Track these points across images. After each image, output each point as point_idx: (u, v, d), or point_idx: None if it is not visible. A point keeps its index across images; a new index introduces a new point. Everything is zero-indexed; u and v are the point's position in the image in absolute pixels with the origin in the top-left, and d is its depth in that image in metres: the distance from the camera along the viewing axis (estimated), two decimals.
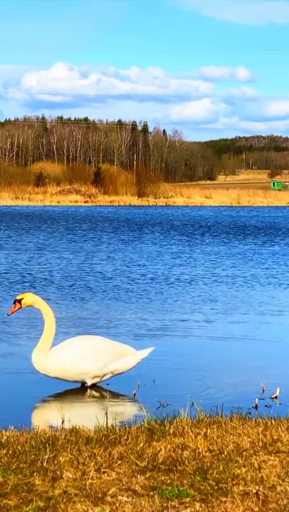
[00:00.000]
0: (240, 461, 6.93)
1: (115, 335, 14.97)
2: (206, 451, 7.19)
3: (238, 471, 6.68)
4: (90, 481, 6.42)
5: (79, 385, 11.54)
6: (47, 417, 10.16)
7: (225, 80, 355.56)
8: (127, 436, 7.56)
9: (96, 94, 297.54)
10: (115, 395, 11.05)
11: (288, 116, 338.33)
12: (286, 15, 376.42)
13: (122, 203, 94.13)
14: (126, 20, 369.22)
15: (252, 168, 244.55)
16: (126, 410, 10.12)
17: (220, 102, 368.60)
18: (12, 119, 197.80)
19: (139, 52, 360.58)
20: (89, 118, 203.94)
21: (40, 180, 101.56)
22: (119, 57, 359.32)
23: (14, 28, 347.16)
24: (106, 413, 9.39)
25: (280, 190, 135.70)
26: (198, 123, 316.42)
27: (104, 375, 11.43)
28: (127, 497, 6.15)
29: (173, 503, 6.07)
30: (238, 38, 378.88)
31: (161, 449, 7.18)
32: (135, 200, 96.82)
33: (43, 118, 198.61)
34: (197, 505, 6.06)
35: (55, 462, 6.81)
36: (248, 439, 7.55)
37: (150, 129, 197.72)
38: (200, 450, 7.20)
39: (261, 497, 6.20)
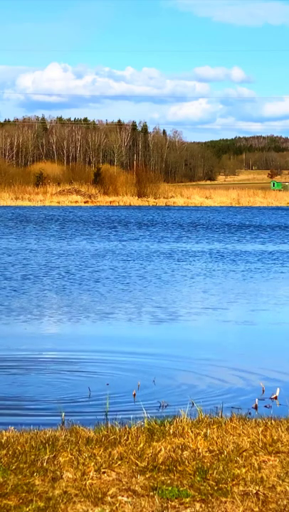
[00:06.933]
0: (240, 462, 6.93)
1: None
2: (206, 451, 7.19)
3: (238, 471, 6.68)
4: (90, 481, 6.42)
5: (79, 386, 11.54)
6: (47, 417, 10.15)
7: (220, 80, 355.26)
8: (127, 437, 7.56)
9: (91, 95, 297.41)
10: (115, 395, 11.05)
11: (285, 117, 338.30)
12: (282, 16, 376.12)
13: (122, 203, 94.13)
14: (121, 20, 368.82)
15: (252, 169, 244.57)
16: (126, 410, 10.12)
17: (216, 103, 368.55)
18: (9, 119, 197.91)
19: (134, 52, 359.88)
20: (86, 118, 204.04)
21: (40, 181, 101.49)
22: (114, 58, 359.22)
23: (9, 28, 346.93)
24: (106, 413, 9.39)
25: (280, 190, 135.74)
26: (195, 123, 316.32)
27: None
28: (127, 497, 6.15)
29: (173, 504, 6.07)
30: (234, 39, 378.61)
31: (161, 449, 7.18)
32: (135, 201, 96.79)
33: (43, 118, 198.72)
34: (197, 505, 6.05)
35: (55, 462, 6.81)
36: (248, 440, 7.55)
37: (150, 130, 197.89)
38: (200, 450, 7.20)
39: (261, 497, 6.19)
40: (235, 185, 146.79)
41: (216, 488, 6.33)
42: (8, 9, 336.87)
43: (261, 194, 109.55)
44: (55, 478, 6.46)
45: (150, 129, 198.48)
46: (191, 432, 7.74)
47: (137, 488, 6.30)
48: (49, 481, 6.38)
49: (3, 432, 7.91)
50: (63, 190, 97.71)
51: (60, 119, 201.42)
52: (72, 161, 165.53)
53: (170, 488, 6.28)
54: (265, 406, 10.54)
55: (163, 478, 6.52)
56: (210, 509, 6.01)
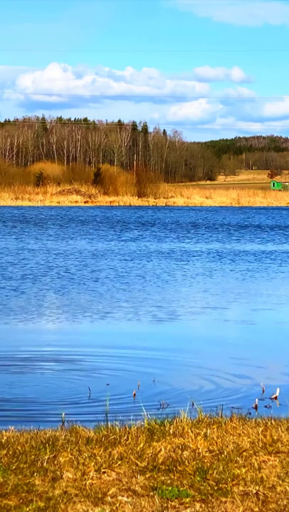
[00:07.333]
0: (240, 462, 6.93)
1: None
2: (206, 451, 7.19)
3: (238, 471, 6.68)
4: (90, 481, 6.42)
5: (79, 385, 11.55)
6: (47, 417, 10.16)
7: (220, 80, 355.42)
8: (127, 437, 7.56)
9: (91, 95, 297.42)
10: (115, 395, 11.05)
11: (285, 117, 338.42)
12: (282, 16, 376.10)
13: (122, 203, 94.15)
14: (121, 20, 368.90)
15: (252, 169, 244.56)
16: (126, 410, 10.12)
17: (216, 103, 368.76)
18: (9, 119, 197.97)
19: (134, 52, 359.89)
20: (86, 118, 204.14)
21: (40, 181, 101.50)
22: (114, 58, 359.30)
23: (9, 28, 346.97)
24: (106, 413, 9.39)
25: (280, 190, 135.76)
26: (195, 123, 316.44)
27: None
28: (127, 497, 6.15)
29: (173, 504, 6.07)
30: (234, 39, 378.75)
31: (161, 449, 7.18)
32: (135, 201, 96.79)
33: (43, 118, 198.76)
34: (197, 505, 6.06)
35: (55, 462, 6.81)
36: (248, 440, 7.55)
37: (150, 130, 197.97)
38: (200, 450, 7.20)
39: (261, 497, 6.20)
40: (235, 185, 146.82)
41: (216, 488, 6.33)
42: (8, 9, 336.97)
43: (261, 194, 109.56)
44: (55, 478, 6.46)
45: (150, 129, 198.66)
46: (191, 431, 7.74)
47: (137, 488, 6.31)
48: (49, 481, 6.39)
49: (4, 431, 7.92)
50: (63, 190, 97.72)
51: (60, 119, 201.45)
52: (72, 161, 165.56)
53: (170, 488, 6.28)
54: (265, 406, 10.54)
55: (163, 478, 6.53)
56: (210, 509, 6.01)
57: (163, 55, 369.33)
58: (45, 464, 6.74)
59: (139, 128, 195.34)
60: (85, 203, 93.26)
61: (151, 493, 6.22)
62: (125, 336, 15.71)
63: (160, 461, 6.87)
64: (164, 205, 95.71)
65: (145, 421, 8.18)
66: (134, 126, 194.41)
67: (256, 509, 6.02)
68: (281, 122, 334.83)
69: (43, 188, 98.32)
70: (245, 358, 13.99)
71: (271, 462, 6.98)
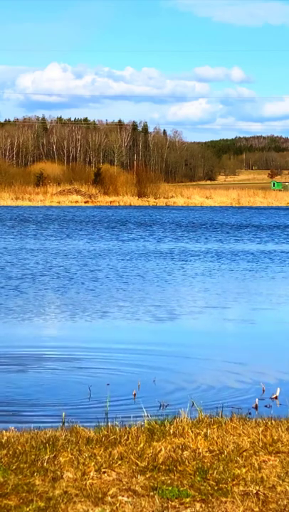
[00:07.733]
0: (241, 462, 6.93)
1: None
2: (206, 451, 7.19)
3: (238, 471, 6.68)
4: (90, 481, 6.42)
5: (79, 385, 11.54)
6: (47, 417, 10.16)
7: (220, 80, 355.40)
8: (127, 437, 7.56)
9: (91, 95, 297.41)
10: (115, 395, 11.05)
11: (285, 117, 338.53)
12: (282, 16, 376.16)
13: (122, 203, 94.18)
14: (121, 20, 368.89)
15: (252, 169, 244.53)
16: (126, 410, 10.12)
17: (216, 103, 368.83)
18: (9, 119, 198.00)
19: (134, 52, 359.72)
20: (86, 118, 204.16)
21: (40, 181, 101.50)
22: (114, 58, 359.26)
23: (9, 28, 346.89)
24: (106, 413, 9.39)
25: (280, 190, 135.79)
26: (195, 123, 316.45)
27: None
28: (127, 497, 6.15)
29: (173, 504, 6.07)
30: (234, 39, 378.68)
31: (161, 449, 7.18)
32: (135, 201, 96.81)
33: (43, 118, 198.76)
34: (197, 505, 6.06)
35: (56, 462, 6.81)
36: (248, 440, 7.55)
37: (150, 130, 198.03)
38: (200, 450, 7.20)
39: (261, 497, 6.20)
40: (235, 185, 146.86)
41: (216, 488, 6.33)
42: (8, 9, 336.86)
43: (261, 194, 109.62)
44: (56, 478, 6.46)
45: (150, 129, 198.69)
46: (191, 431, 7.74)
47: (137, 488, 6.30)
48: (49, 481, 6.38)
49: (4, 431, 7.92)
50: (63, 190, 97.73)
51: (60, 119, 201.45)
52: (72, 161, 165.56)
53: (170, 488, 6.28)
54: (266, 406, 10.54)
55: (163, 478, 6.52)
56: (210, 509, 6.01)
57: (163, 55, 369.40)
58: (45, 464, 6.74)
59: (140, 128, 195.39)
60: (85, 203, 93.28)
61: (152, 493, 6.22)
62: (125, 336, 15.71)
63: (160, 461, 6.87)
64: (164, 205, 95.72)
65: (145, 421, 8.18)
66: (134, 126, 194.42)
67: (256, 509, 6.02)
68: (281, 122, 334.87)
69: (43, 188, 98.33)
70: (245, 357, 13.99)
71: (271, 462, 6.98)
